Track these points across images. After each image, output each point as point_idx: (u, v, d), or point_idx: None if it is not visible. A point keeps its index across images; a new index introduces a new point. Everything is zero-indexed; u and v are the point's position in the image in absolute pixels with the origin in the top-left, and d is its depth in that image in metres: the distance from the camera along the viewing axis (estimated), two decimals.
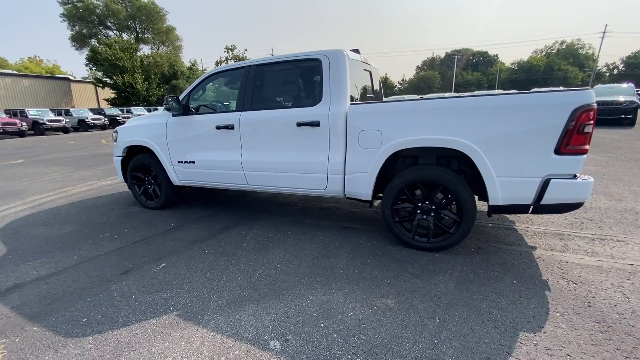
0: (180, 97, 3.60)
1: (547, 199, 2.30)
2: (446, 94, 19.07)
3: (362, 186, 2.85)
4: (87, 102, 34.44)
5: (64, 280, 2.48)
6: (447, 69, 71.22)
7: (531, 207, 2.39)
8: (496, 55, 73.73)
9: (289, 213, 3.89)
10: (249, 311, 2.04)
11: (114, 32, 35.34)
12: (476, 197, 2.65)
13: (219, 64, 41.08)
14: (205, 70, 46.15)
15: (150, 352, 1.73)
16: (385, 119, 2.66)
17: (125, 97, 31.81)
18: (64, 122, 19.87)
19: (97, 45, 30.94)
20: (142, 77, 32.40)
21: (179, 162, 3.73)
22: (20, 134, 17.53)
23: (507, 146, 2.32)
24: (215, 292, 2.26)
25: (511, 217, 3.48)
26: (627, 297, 2.05)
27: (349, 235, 3.17)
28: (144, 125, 3.96)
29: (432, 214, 2.69)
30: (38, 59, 59.09)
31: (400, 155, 2.85)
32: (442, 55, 77.85)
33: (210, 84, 3.64)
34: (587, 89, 2.14)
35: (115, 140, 4.21)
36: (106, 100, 33.37)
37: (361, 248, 2.87)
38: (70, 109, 22.59)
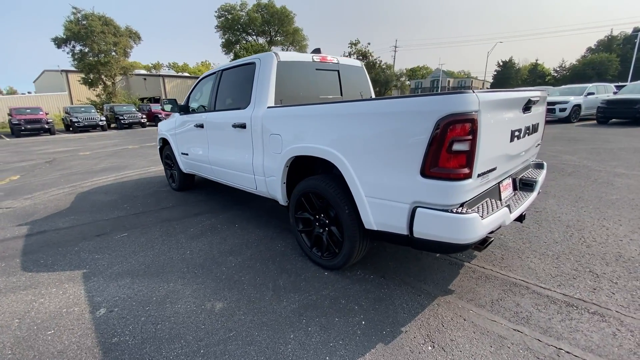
0: (185, 99, 4.30)
1: (416, 232, 1.82)
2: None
3: (276, 190, 2.84)
4: None
5: (67, 233, 3.49)
6: (632, 50, 53.03)
7: (407, 239, 1.92)
8: None
9: (253, 207, 4.11)
10: (121, 282, 2.46)
11: (253, 37, 41.65)
12: None
13: None
14: None
15: (41, 292, 2.36)
16: (281, 124, 2.58)
17: None
18: None
19: (238, 49, 37.25)
20: None
21: (181, 153, 4.48)
22: None
23: (374, 162, 1.93)
24: (123, 262, 2.78)
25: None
26: None
27: (277, 237, 3.19)
28: (168, 122, 4.88)
29: (326, 228, 2.47)
30: (207, 63, 75.83)
31: (321, 162, 2.71)
32: (629, 31, 58.12)
33: (204, 86, 4.17)
34: (463, 93, 1.57)
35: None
36: None
37: (269, 252, 2.88)
38: None
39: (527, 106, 2.06)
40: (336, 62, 3.45)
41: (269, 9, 39.82)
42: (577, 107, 13.32)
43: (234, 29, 39.93)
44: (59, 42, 23.77)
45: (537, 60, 69.33)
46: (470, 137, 1.59)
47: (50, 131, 17.36)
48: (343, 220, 2.21)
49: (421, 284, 2.30)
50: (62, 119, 21.25)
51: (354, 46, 42.15)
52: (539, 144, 2.66)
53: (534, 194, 2.38)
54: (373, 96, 3.90)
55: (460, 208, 1.72)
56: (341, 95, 3.52)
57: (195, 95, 4.26)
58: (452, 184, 1.65)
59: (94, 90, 25.61)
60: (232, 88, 3.38)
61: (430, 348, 1.71)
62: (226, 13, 39.23)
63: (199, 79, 4.15)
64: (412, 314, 1.99)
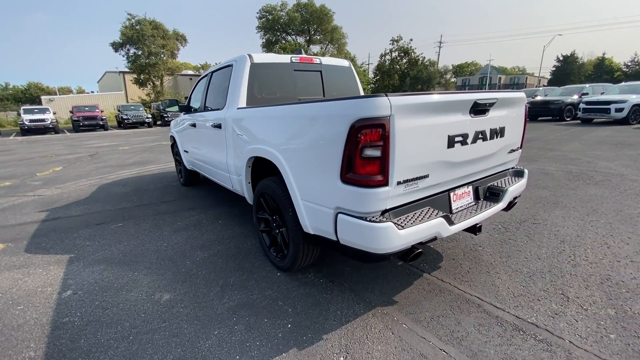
0: (187, 99, 4.56)
1: (341, 239, 1.78)
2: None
3: (244, 188, 2.91)
4: None
5: (74, 221, 3.88)
6: None
7: (337, 245, 1.88)
8: None
9: (242, 205, 4.19)
10: (96, 268, 2.69)
11: (292, 36, 42.44)
12: None
13: (383, 57, 42.64)
14: (364, 64, 49.13)
15: (29, 272, 2.68)
16: (243, 125, 2.64)
17: None
18: None
19: (277, 49, 38.27)
20: None
21: (184, 151, 4.75)
22: None
23: (306, 165, 1.92)
24: (106, 250, 3.04)
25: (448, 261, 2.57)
26: None
27: (252, 235, 3.26)
28: (176, 120, 5.19)
29: (280, 229, 2.48)
30: None
31: None
32: None
33: (202, 87, 4.37)
34: (374, 97, 1.49)
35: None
36: None
37: (236, 249, 2.97)
38: None
39: (479, 109, 1.90)
40: (318, 62, 3.43)
41: (308, 8, 40.26)
42: (638, 106, 11.75)
43: (274, 29, 40.98)
44: (116, 46, 26.26)
45: (604, 53, 61.58)
46: (381, 142, 1.51)
47: (104, 127, 19.28)
48: (288, 222, 2.22)
49: (367, 293, 2.22)
50: (116, 116, 23.44)
51: (395, 43, 41.18)
52: (513, 150, 2.42)
53: (500, 205, 2.19)
54: (360, 92, 3.82)
55: (381, 216, 1.65)
56: (323, 95, 3.49)
57: (196, 96, 4.49)
58: (366, 190, 1.58)
59: (144, 89, 27.91)
60: (216, 89, 3.51)
61: (342, 359, 1.66)
62: (267, 14, 40.35)
63: (198, 79, 4.36)
64: (342, 322, 1.94)
